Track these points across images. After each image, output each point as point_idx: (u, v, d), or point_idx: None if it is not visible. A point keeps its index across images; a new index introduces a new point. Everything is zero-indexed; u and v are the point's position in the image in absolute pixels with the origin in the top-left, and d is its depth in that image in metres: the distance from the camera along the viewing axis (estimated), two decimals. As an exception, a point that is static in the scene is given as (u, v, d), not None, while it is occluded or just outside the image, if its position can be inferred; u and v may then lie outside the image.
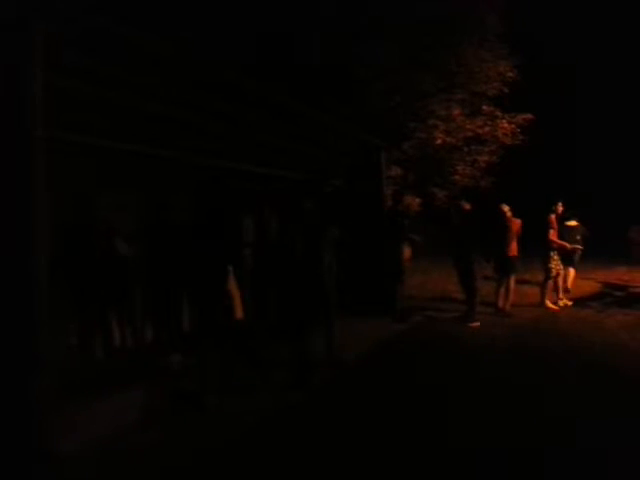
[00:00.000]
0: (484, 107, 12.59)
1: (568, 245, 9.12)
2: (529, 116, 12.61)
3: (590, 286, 10.84)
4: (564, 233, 9.12)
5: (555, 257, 8.99)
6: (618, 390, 4.90)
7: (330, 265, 5.57)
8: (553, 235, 8.96)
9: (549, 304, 9.09)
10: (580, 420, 4.20)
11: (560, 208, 9.14)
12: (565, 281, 9.36)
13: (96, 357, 4.79)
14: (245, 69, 6.21)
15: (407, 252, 8.33)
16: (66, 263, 4.35)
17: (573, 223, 9.34)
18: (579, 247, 9.28)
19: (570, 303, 9.29)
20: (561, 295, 9.31)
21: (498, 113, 12.55)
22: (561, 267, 9.06)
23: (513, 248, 8.64)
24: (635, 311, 8.62)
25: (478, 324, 7.86)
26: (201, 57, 4.97)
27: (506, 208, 8.81)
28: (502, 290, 8.69)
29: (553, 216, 9.06)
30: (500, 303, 8.67)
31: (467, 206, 8.38)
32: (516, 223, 8.73)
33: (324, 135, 7.52)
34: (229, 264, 5.92)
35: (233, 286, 6.17)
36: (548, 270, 8.98)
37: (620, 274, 12.67)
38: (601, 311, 8.80)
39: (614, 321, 7.99)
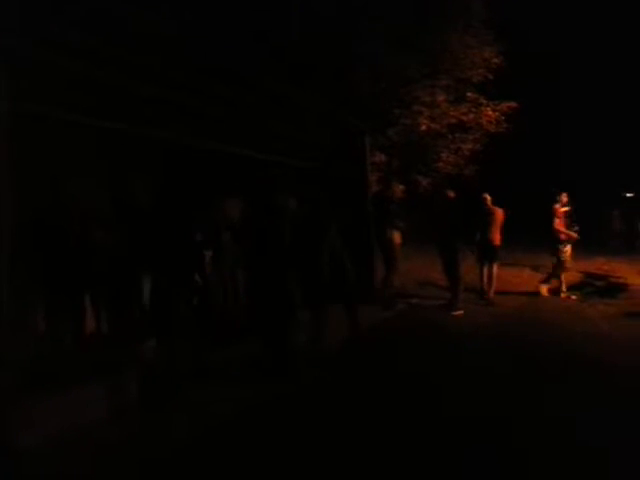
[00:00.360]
0: (469, 94, 12.49)
1: (574, 234, 9.03)
2: (513, 104, 12.55)
3: (572, 276, 10.78)
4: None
5: (566, 249, 8.91)
6: (597, 381, 4.89)
7: (337, 251, 5.54)
8: (559, 225, 8.87)
9: (544, 291, 9.02)
10: (560, 409, 4.20)
11: (565, 198, 9.04)
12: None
13: (68, 346, 4.59)
14: (227, 48, 6.02)
15: (397, 238, 8.16)
16: (34, 249, 4.14)
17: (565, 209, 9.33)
18: None
19: (574, 297, 9.05)
20: (564, 287, 9.21)
21: (483, 100, 12.47)
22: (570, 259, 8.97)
23: (496, 237, 8.63)
24: (616, 301, 8.69)
25: (462, 312, 7.80)
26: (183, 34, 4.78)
27: (488, 197, 8.78)
28: (485, 278, 8.68)
29: (558, 206, 8.97)
30: (484, 291, 8.65)
31: (451, 194, 8.32)
32: (499, 212, 8.72)
33: (307, 117, 7.34)
34: (207, 248, 5.78)
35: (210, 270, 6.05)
36: (561, 263, 8.88)
37: (599, 264, 12.76)
38: (583, 301, 8.82)
39: (595, 311, 8.02)
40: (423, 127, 11.93)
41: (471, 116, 12.35)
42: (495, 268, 8.68)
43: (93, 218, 4.57)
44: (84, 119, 4.22)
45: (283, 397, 4.55)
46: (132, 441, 3.70)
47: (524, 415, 4.12)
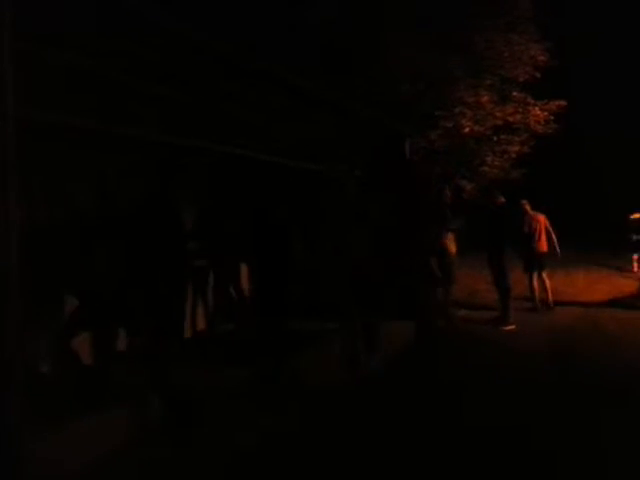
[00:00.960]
0: (515, 93, 11.85)
1: None
2: (562, 103, 11.85)
3: (629, 285, 10.10)
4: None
5: None
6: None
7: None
8: None
9: None
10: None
11: None
12: None
13: (93, 364, 4.35)
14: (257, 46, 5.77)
15: (452, 245, 7.67)
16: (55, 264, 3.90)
17: (638, 215, 8.77)
18: None
19: None
20: None
21: (530, 100, 11.81)
22: None
23: (542, 244, 8.27)
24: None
25: (514, 327, 7.30)
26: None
27: (527, 203, 8.46)
28: (536, 287, 8.29)
29: None
30: (536, 300, 8.27)
31: (501, 199, 7.84)
32: (541, 218, 8.37)
33: (345, 122, 6.98)
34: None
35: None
36: None
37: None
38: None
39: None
40: (466, 129, 11.35)
41: (518, 116, 11.68)
42: (545, 276, 8.34)
43: (108, 230, 4.31)
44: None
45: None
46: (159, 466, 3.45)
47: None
